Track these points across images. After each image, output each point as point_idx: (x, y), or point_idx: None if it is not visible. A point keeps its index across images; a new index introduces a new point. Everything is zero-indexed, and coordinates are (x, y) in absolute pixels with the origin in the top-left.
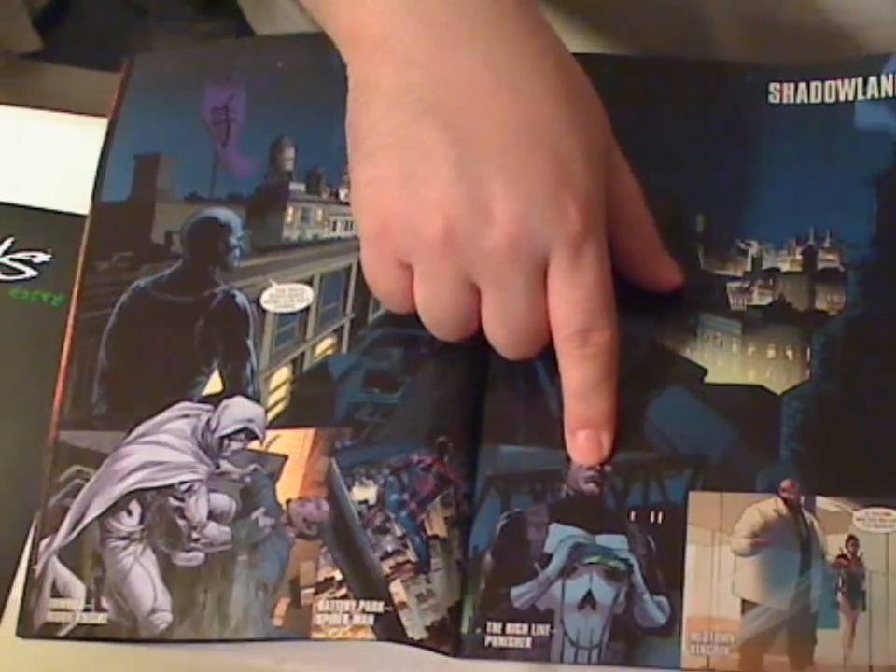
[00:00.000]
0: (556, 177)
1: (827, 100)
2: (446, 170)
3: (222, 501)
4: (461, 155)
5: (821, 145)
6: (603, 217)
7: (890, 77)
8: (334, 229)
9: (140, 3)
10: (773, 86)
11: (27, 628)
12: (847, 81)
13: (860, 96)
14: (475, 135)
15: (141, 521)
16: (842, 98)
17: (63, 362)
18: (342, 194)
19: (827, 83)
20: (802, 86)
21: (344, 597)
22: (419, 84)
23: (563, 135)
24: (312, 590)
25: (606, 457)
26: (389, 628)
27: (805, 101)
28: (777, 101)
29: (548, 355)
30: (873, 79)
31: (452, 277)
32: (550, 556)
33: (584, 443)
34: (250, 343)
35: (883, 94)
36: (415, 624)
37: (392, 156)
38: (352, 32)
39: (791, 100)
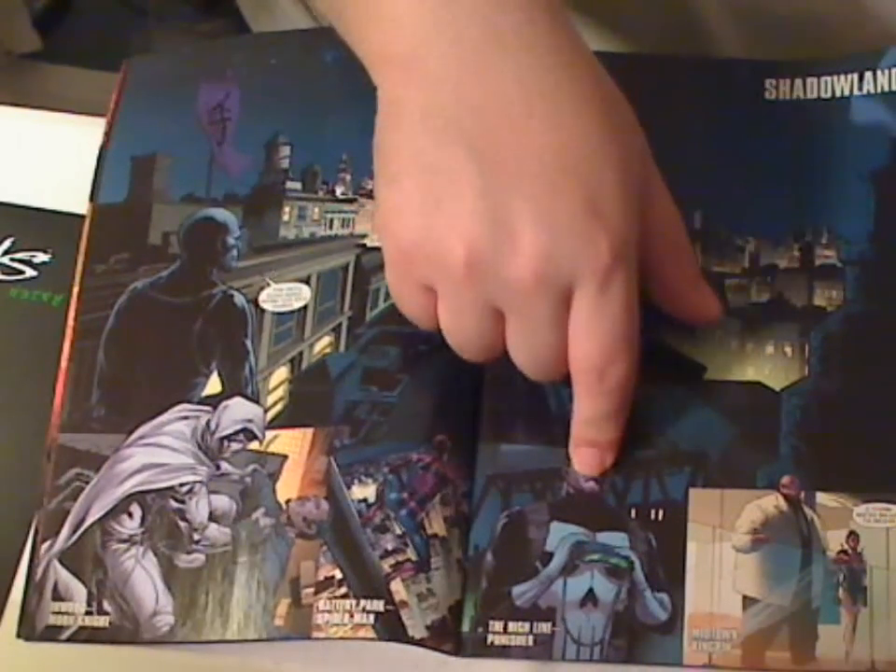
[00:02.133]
0: (586, 209)
1: (823, 95)
2: (471, 199)
3: (223, 502)
4: (487, 184)
5: (818, 140)
6: (634, 249)
7: (886, 72)
8: (331, 226)
9: (140, 3)
10: (769, 82)
11: (29, 631)
12: (842, 77)
13: (856, 91)
14: (502, 164)
15: (142, 523)
16: (838, 93)
17: (63, 364)
18: (338, 191)
19: (823, 79)
20: (798, 82)
21: (345, 596)
22: (447, 108)
23: (595, 165)
24: (312, 589)
25: (606, 473)
26: (390, 627)
27: (801, 97)
28: (773, 97)
29: None
30: (868, 74)
31: (475, 305)
32: (551, 554)
33: (587, 459)
34: (249, 342)
35: (879, 89)
36: (416, 623)
37: (417, 182)
38: (381, 53)
39: (787, 96)
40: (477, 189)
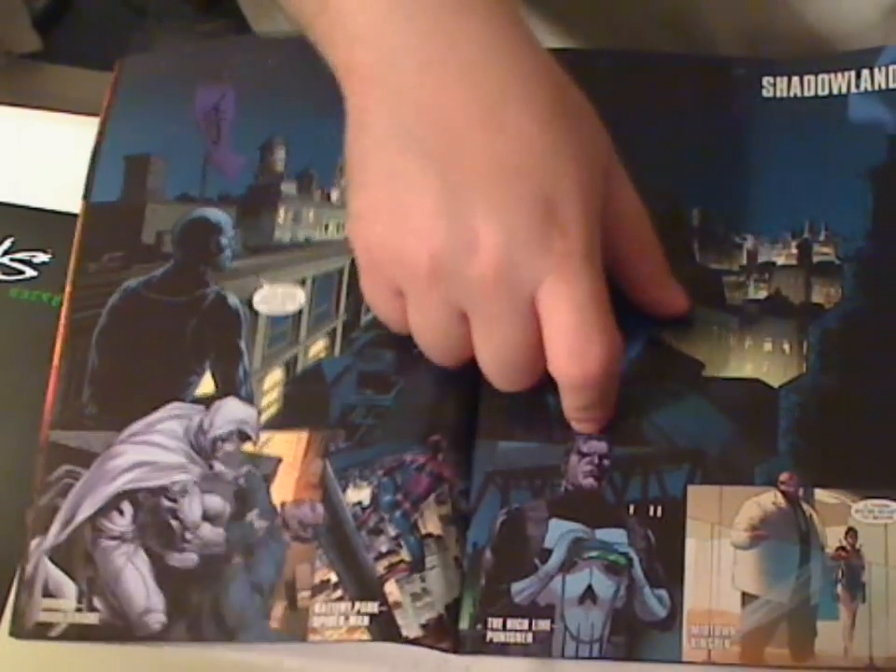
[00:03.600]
0: (542, 209)
1: (820, 93)
2: (430, 201)
3: (216, 503)
4: (445, 185)
5: (815, 138)
6: (596, 246)
7: (883, 69)
8: (326, 230)
9: (140, 3)
10: (766, 80)
11: (19, 628)
12: (839, 74)
13: (853, 89)
14: (460, 167)
15: (133, 521)
16: (835, 91)
17: (55, 362)
18: (333, 196)
19: (820, 76)
20: (795, 79)
21: (340, 599)
22: (407, 118)
23: (552, 167)
24: (308, 592)
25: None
26: (384, 628)
27: (799, 94)
28: (771, 95)
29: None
30: (865, 72)
31: (440, 307)
32: (549, 551)
33: (585, 427)
34: (242, 344)
35: (876, 87)
36: (410, 623)
37: (381, 189)
38: (347, 64)
39: (785, 93)
40: (435, 190)
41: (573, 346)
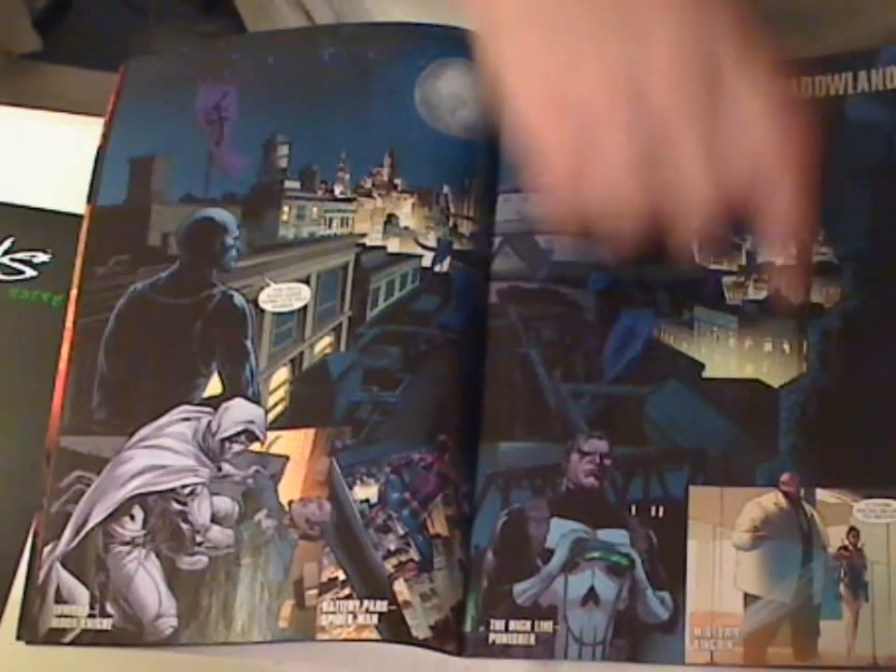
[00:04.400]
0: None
1: (818, 94)
2: (594, 24)
3: (225, 504)
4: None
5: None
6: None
7: (880, 71)
8: (330, 226)
9: (140, 3)
10: None
11: (32, 635)
12: (837, 76)
13: (850, 91)
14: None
15: (144, 525)
16: (832, 93)
17: (62, 367)
18: (336, 191)
19: (818, 78)
20: (793, 81)
21: (348, 597)
22: None
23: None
24: (315, 591)
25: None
26: (394, 627)
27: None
28: None
29: (543, 349)
30: (863, 74)
31: (630, 137)
32: (551, 552)
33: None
34: (249, 343)
35: (873, 88)
36: (420, 624)
37: (530, 30)
38: None
39: None
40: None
41: (775, 118)
